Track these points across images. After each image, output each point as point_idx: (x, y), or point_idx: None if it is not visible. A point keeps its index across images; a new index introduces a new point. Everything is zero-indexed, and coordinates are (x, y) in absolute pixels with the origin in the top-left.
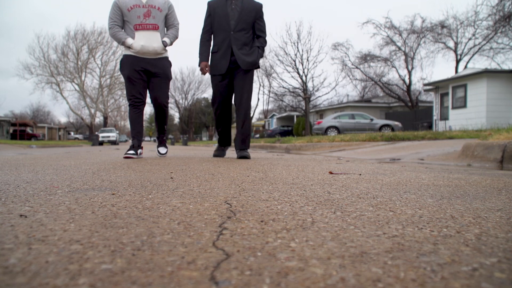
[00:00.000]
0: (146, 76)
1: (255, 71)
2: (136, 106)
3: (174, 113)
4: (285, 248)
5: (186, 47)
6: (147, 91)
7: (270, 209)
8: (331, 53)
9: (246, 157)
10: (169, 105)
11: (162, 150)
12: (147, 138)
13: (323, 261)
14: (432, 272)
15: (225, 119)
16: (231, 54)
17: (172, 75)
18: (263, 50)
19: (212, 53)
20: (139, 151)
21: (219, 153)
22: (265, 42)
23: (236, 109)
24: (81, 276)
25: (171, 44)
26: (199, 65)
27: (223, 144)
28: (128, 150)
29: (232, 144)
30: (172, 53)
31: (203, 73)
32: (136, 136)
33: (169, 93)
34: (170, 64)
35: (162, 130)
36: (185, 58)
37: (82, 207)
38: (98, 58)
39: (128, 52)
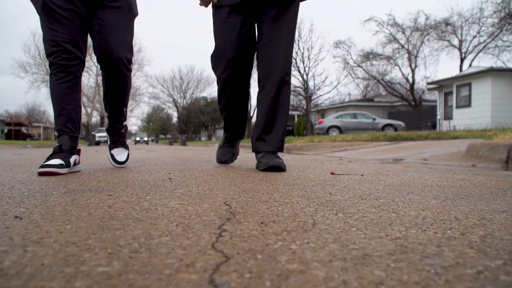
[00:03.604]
0: (85, 6)
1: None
2: (63, 66)
3: (172, 112)
4: (285, 250)
5: (185, 42)
6: (87, 37)
7: (271, 210)
8: (333, 51)
9: (281, 168)
10: (167, 104)
11: (119, 155)
12: (145, 138)
13: (324, 264)
14: (436, 274)
15: (239, 92)
16: None
17: (137, 9)
18: None
19: None
20: (73, 158)
21: (226, 156)
22: None
23: (263, 76)
24: (77, 279)
25: None
26: None
27: (234, 137)
28: (48, 158)
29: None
30: (170, 49)
31: (204, 3)
32: (66, 129)
33: (167, 92)
34: None
35: (119, 114)
36: (184, 55)
37: (78, 209)
38: (94, 56)
39: None
